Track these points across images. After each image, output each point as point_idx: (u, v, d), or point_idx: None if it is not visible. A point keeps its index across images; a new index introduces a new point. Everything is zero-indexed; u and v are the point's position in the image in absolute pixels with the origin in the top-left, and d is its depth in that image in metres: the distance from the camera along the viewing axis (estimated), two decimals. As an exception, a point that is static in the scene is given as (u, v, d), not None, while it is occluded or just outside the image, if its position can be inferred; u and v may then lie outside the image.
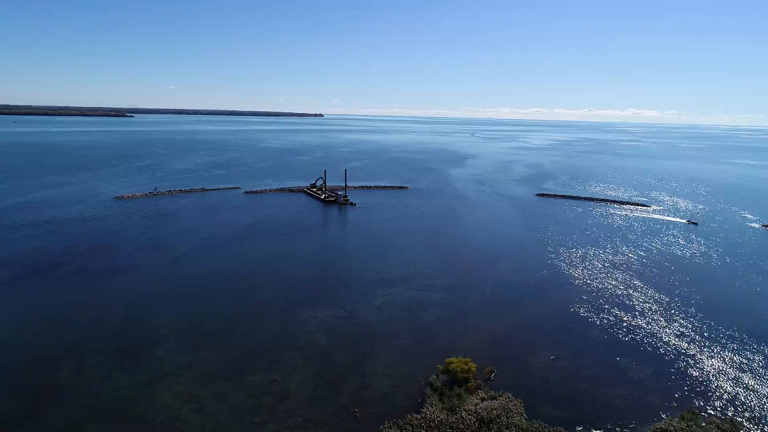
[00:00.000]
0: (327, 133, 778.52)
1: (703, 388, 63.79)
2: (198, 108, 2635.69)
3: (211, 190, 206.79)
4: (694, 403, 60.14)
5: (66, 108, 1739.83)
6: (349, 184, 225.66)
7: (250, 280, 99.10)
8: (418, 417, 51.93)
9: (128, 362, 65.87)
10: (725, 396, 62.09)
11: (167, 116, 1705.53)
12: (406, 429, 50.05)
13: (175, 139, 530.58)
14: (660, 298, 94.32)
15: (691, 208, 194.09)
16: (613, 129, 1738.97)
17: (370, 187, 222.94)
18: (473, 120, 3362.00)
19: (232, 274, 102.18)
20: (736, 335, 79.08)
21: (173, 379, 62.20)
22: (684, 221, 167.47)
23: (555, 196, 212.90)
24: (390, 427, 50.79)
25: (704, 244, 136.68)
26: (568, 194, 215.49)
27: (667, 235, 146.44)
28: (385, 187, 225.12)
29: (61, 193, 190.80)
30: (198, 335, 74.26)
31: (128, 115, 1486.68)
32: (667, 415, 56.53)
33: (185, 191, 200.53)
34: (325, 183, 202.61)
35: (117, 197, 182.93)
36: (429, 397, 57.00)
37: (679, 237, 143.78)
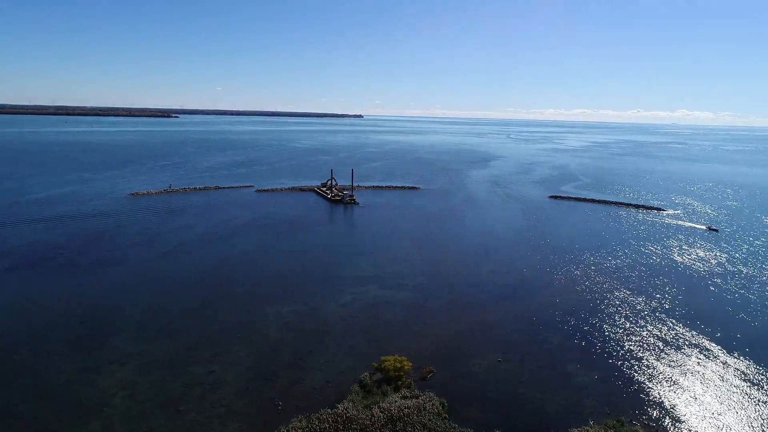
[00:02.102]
0: (360, 134, 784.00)
1: (645, 397, 61.55)
2: (240, 109, 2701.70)
3: (224, 188, 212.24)
4: (630, 412, 58.15)
5: (116, 109, 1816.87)
6: (362, 183, 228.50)
7: (228, 274, 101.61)
8: (330, 412, 52.42)
9: (83, 349, 68.99)
10: (664, 407, 59.69)
11: (210, 117, 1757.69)
12: (313, 423, 50.64)
13: (208, 139, 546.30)
14: (641, 305, 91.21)
15: (713, 213, 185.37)
16: (660, 131, 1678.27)
17: (381, 187, 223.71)
18: (515, 121, 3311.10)
19: (213, 269, 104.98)
20: (709, 346, 75.81)
21: (118, 366, 64.81)
22: (703, 227, 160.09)
23: (569, 198, 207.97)
24: (300, 421, 51.50)
25: (716, 251, 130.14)
26: (583, 197, 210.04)
27: (675, 240, 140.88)
28: (396, 187, 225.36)
29: (83, 189, 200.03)
30: (157, 326, 76.92)
31: (173, 115, 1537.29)
32: (593, 422, 54.96)
33: (199, 189, 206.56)
34: (331, 182, 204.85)
35: (132, 194, 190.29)
36: (351, 394, 57.39)
37: (688, 243, 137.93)
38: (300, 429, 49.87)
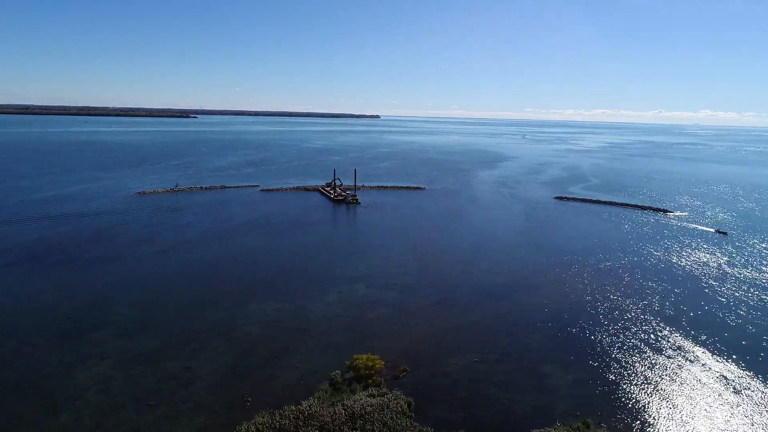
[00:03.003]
0: (374, 134, 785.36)
1: (619, 400, 60.76)
2: (259, 109, 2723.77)
3: (230, 187, 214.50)
4: (601, 414, 57.46)
5: (136, 109, 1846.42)
6: (368, 183, 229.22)
7: (220, 272, 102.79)
8: (293, 408, 52.84)
9: (65, 344, 70.49)
10: (637, 410, 58.85)
11: (228, 117, 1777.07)
12: (275, 419, 51.09)
13: (222, 139, 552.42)
14: (632, 308, 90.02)
15: (724, 216, 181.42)
16: (680, 132, 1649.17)
17: (386, 187, 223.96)
18: (533, 122, 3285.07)
19: (207, 266, 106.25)
20: (696, 351, 74.56)
21: (96, 361, 66.09)
22: (711, 230, 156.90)
23: (575, 199, 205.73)
24: (263, 416, 52.01)
25: (721, 255, 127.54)
26: (589, 198, 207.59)
27: (677, 243, 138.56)
28: (400, 187, 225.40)
29: (92, 187, 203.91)
30: (142, 322, 78.21)
31: (192, 116, 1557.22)
32: (560, 424, 54.47)
33: (205, 188, 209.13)
34: (335, 182, 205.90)
35: (139, 193, 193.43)
36: (319, 391, 57.76)
37: (691, 246, 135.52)
38: (262, 424, 50.36)
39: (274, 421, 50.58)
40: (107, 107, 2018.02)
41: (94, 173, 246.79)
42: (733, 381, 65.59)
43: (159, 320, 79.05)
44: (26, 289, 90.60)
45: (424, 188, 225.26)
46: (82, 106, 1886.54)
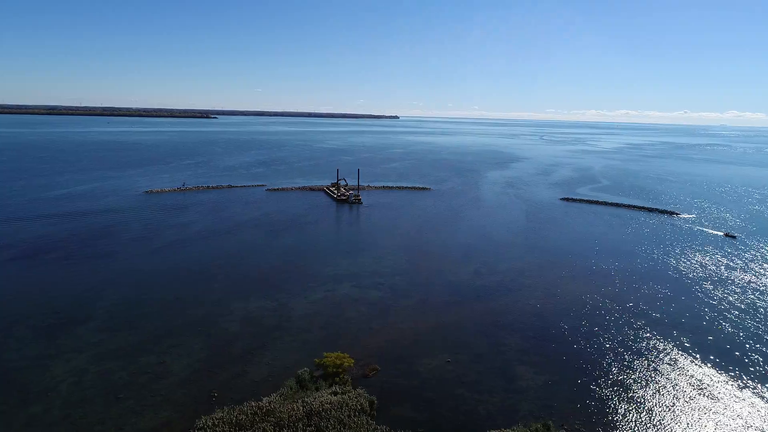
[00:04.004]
0: (390, 135, 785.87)
1: (588, 403, 60.00)
2: (278, 110, 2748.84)
3: (237, 187, 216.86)
4: (566, 417, 56.85)
5: (158, 110, 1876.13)
6: (375, 183, 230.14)
7: (211, 270, 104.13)
8: (253, 404, 53.43)
9: (48, 337, 72.29)
10: (604, 414, 58.05)
11: (247, 117, 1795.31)
12: (232, 414, 51.74)
13: (238, 139, 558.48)
14: (619, 312, 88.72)
15: (735, 219, 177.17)
16: (705, 132, 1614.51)
17: (390, 188, 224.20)
18: (553, 122, 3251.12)
19: (198, 264, 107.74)
20: (678, 357, 73.25)
21: (74, 354, 67.66)
22: (719, 233, 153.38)
23: (581, 200, 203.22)
24: (222, 411, 52.71)
25: (725, 259, 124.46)
26: (596, 199, 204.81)
27: (680, 245, 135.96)
28: (406, 187, 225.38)
29: (103, 186, 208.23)
30: (126, 317, 79.72)
31: (212, 116, 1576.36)
32: (520, 425, 54.04)
33: (212, 187, 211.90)
34: (339, 182, 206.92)
35: (147, 191, 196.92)
36: (284, 387, 58.28)
37: (695, 249, 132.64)
38: (219, 419, 51.04)
39: (232, 416, 51.21)
40: (131, 108, 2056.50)
41: (106, 172, 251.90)
42: (711, 387, 64.30)
43: (142, 316, 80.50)
44: (19, 284, 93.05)
45: (430, 189, 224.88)
46: (107, 107, 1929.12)
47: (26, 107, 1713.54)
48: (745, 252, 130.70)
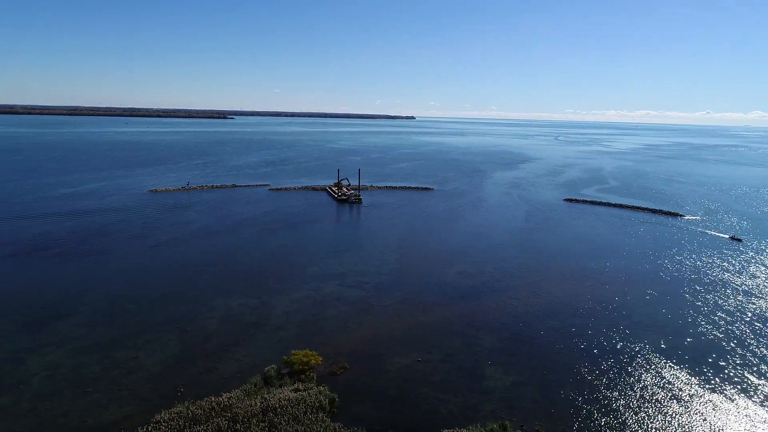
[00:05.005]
0: (404, 135, 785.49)
1: (551, 405, 59.52)
2: (295, 111, 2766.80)
3: (240, 186, 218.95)
4: (527, 417, 56.49)
5: (177, 111, 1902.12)
6: (379, 183, 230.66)
7: (201, 268, 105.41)
8: (212, 399, 54.16)
9: (30, 331, 74.02)
10: (567, 415, 57.57)
11: (264, 118, 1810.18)
12: (191, 408, 52.51)
13: (251, 139, 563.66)
14: (605, 314, 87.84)
15: (742, 221, 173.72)
16: (726, 133, 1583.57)
17: (393, 188, 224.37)
18: (571, 123, 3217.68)
19: (190, 262, 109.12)
20: (655, 361, 72.28)
21: (52, 349, 69.21)
22: (725, 236, 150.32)
23: (584, 201, 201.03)
24: (181, 406, 53.50)
25: (725, 262, 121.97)
26: (600, 200, 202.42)
27: (681, 247, 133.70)
28: (409, 188, 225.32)
29: (110, 185, 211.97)
30: (109, 313, 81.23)
31: (229, 117, 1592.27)
32: (478, 425, 53.86)
33: (216, 187, 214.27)
34: (341, 181, 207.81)
35: (152, 190, 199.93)
36: (248, 384, 58.90)
37: (696, 251, 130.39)
38: (177, 413, 51.87)
39: (190, 411, 52.00)
40: (149, 109, 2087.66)
41: (115, 171, 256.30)
42: (681, 391, 63.34)
43: (124, 312, 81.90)
44: (10, 280, 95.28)
45: (433, 189, 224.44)
46: (127, 107, 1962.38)
47: (49, 108, 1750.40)
48: (748, 255, 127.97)
